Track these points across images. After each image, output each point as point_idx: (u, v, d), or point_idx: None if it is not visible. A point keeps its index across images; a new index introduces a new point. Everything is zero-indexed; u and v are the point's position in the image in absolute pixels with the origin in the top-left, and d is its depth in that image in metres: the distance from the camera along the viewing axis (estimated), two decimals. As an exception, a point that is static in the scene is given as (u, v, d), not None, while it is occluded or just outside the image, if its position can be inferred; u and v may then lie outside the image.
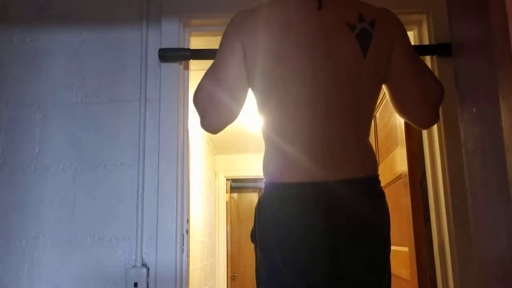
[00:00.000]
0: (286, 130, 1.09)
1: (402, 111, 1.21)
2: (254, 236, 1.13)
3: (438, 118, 1.21)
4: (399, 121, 1.78)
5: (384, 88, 1.21)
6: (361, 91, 1.10)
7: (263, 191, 1.13)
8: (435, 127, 1.55)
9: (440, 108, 1.54)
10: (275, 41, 1.09)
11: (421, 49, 1.64)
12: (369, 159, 1.10)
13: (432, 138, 1.58)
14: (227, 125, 1.19)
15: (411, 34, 1.73)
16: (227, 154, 5.46)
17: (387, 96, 1.23)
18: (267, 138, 1.13)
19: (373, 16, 1.12)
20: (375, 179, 1.10)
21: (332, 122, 1.06)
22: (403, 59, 1.15)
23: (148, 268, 1.47)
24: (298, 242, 1.02)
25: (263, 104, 1.14)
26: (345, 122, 1.08)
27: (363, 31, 1.09)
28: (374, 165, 1.11)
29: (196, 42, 1.72)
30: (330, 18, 1.10)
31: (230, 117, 1.18)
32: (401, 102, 1.19)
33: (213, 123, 1.18)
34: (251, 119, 3.77)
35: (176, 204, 1.51)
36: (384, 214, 1.09)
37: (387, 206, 1.11)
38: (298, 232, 1.03)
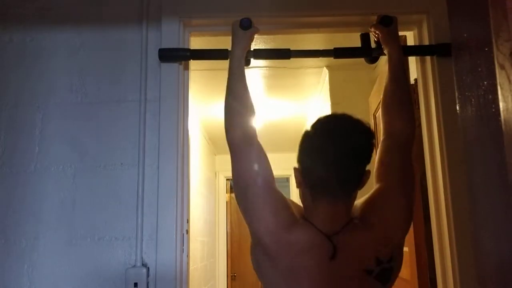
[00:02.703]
0: None
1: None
2: None
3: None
4: (399, 121, 1.78)
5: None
6: None
7: None
8: (435, 127, 1.55)
9: (440, 109, 1.55)
10: (287, 268, 1.07)
11: (421, 50, 1.64)
12: None
13: (432, 138, 1.58)
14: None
15: (410, 35, 1.73)
16: (227, 154, 5.42)
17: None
18: None
19: (391, 250, 1.09)
20: None
21: None
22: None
23: (148, 268, 1.47)
24: None
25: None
26: None
27: (382, 272, 1.07)
28: None
29: (196, 42, 1.72)
30: (345, 267, 1.06)
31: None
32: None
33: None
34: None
35: (176, 204, 1.51)
36: None
37: None
38: None
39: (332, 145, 1.08)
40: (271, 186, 1.15)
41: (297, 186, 1.16)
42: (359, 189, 1.13)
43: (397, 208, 1.15)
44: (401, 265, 1.14)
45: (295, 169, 1.15)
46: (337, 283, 1.06)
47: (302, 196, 1.16)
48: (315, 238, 1.08)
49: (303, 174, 1.13)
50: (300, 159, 1.14)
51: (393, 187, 1.18)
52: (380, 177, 1.21)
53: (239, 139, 1.22)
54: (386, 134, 1.28)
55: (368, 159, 1.12)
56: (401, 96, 1.33)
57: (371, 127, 1.12)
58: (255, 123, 1.27)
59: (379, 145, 1.28)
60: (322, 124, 1.13)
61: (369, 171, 1.13)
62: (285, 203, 1.14)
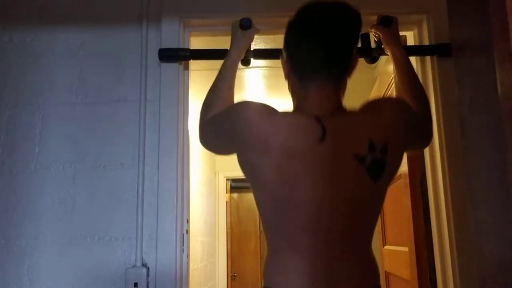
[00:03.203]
0: (287, 243, 1.04)
1: None
2: None
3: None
4: (399, 121, 1.78)
5: None
6: (368, 212, 1.05)
7: None
8: (435, 127, 1.55)
9: (440, 109, 1.55)
10: (276, 159, 1.01)
11: (421, 50, 1.64)
12: (370, 272, 1.05)
13: (432, 138, 1.58)
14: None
15: (410, 35, 1.73)
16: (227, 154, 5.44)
17: None
18: (267, 238, 1.09)
19: (385, 138, 1.02)
20: None
21: (333, 245, 1.01)
22: (412, 130, 1.13)
23: (148, 268, 1.47)
24: None
25: (258, 199, 1.09)
26: (347, 241, 1.02)
27: (375, 162, 1.00)
28: (376, 276, 1.07)
29: (196, 42, 1.72)
30: (335, 150, 1.00)
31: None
32: None
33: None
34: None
35: (176, 204, 1.51)
36: None
37: None
38: None
39: (318, 24, 1.04)
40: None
41: (286, 78, 1.14)
42: (348, 75, 1.10)
43: (403, 106, 1.13)
44: (397, 167, 1.07)
45: (282, 60, 1.13)
46: (327, 167, 1.00)
47: (291, 87, 1.13)
48: (303, 120, 1.03)
49: (290, 61, 1.10)
50: (286, 48, 1.12)
51: (403, 100, 1.19)
52: None
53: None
54: None
55: (355, 40, 1.09)
56: (419, 94, 1.31)
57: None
58: None
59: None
60: (306, 8, 1.10)
61: (357, 57, 1.10)
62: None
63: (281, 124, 1.04)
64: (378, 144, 1.01)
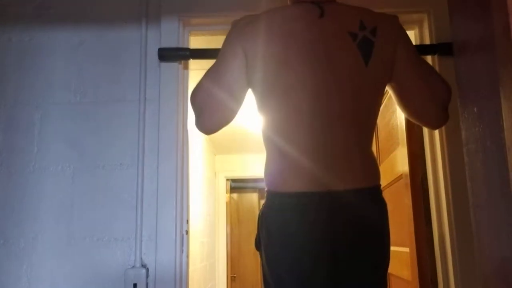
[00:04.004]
0: (287, 138, 1.08)
1: (411, 112, 1.20)
2: (258, 244, 1.13)
3: (448, 117, 1.21)
4: (400, 120, 1.77)
5: (390, 91, 1.21)
6: (363, 99, 1.10)
7: (265, 200, 1.12)
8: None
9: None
10: (276, 47, 1.09)
11: (422, 49, 1.63)
12: (372, 169, 1.10)
13: (433, 138, 1.57)
14: (225, 125, 1.19)
15: (412, 34, 1.72)
16: (227, 154, 5.45)
17: (394, 99, 1.22)
18: (267, 142, 1.13)
19: (374, 23, 1.12)
20: (377, 189, 1.10)
21: (334, 131, 1.06)
22: (407, 62, 1.14)
23: (148, 268, 1.46)
24: (300, 250, 1.03)
25: (263, 106, 1.14)
26: (348, 130, 1.07)
27: (365, 40, 1.10)
28: (377, 175, 1.11)
29: (196, 42, 1.72)
30: (331, 27, 1.11)
31: (229, 117, 1.17)
32: (409, 104, 1.18)
33: (211, 122, 1.17)
34: (251, 119, 3.77)
35: (176, 204, 1.51)
36: (386, 223, 1.09)
37: (388, 216, 1.11)
38: (300, 241, 1.03)
39: None
40: None
41: None
42: None
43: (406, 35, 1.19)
44: (386, 57, 1.13)
45: None
46: (326, 43, 1.09)
47: None
48: (303, 5, 1.13)
49: None
50: None
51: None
52: None
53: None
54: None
55: None
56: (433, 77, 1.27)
57: None
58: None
59: None
60: None
61: None
62: None
63: (284, 14, 1.14)
64: (368, 25, 1.11)
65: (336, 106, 1.07)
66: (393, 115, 1.89)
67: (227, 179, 5.83)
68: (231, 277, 6.17)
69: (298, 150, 1.06)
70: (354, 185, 1.05)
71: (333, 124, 1.06)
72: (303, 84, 1.07)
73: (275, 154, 1.10)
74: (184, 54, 1.60)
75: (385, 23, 1.15)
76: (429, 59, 1.61)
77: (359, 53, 1.08)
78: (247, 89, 1.17)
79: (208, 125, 1.17)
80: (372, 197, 1.08)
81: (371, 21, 1.12)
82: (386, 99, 1.97)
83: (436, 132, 1.55)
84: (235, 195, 6.96)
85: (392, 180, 1.95)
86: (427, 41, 1.62)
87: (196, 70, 2.56)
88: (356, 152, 1.07)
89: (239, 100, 1.16)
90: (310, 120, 1.06)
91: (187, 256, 1.54)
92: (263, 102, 1.13)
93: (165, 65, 1.59)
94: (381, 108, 2.09)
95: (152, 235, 1.49)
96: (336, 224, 1.02)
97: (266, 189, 1.12)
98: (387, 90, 1.24)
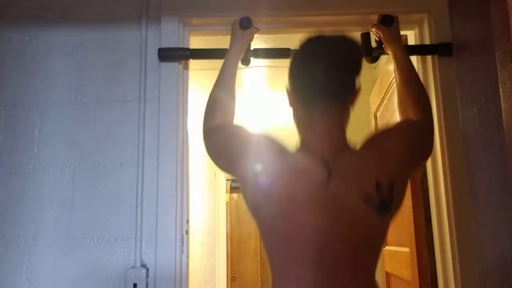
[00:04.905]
0: (289, 282, 1.04)
1: None
2: None
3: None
4: (400, 121, 1.77)
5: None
6: (373, 246, 1.05)
7: None
8: (436, 127, 1.54)
9: (441, 108, 1.54)
10: (279, 205, 1.03)
11: (422, 49, 1.63)
12: None
13: (433, 138, 1.57)
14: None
15: (411, 34, 1.73)
16: (227, 155, 5.43)
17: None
18: (271, 268, 1.10)
19: (391, 177, 1.02)
20: None
21: (337, 278, 1.01)
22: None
23: (148, 268, 1.46)
24: None
25: (263, 241, 1.10)
26: (351, 273, 1.02)
27: (383, 202, 1.01)
28: None
29: (196, 42, 1.72)
30: (341, 191, 1.01)
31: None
32: None
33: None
34: (251, 119, 3.77)
35: (176, 204, 1.51)
36: None
37: None
38: None
39: (320, 54, 1.08)
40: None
41: (290, 105, 1.15)
42: (351, 104, 1.11)
43: (404, 135, 1.13)
44: (401, 202, 1.07)
45: (286, 89, 1.15)
46: (333, 209, 1.00)
47: (296, 115, 1.13)
48: (308, 163, 1.04)
49: (294, 90, 1.12)
50: (290, 77, 1.13)
51: (404, 124, 1.21)
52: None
53: (216, 128, 1.23)
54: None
55: (357, 70, 1.10)
56: (420, 97, 1.30)
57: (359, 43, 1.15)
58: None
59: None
60: (309, 41, 1.12)
61: (360, 87, 1.11)
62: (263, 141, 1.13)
63: (287, 168, 1.05)
64: (385, 184, 1.01)
65: (344, 260, 1.01)
66: (393, 115, 1.89)
67: (227, 179, 5.83)
68: (231, 277, 6.17)
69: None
70: None
71: (335, 276, 1.01)
72: (309, 242, 1.01)
73: (279, 283, 1.06)
74: (184, 54, 1.60)
75: (401, 161, 1.06)
76: (429, 59, 1.62)
77: (374, 214, 1.00)
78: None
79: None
80: None
81: (388, 177, 1.02)
82: (386, 99, 1.97)
83: (436, 132, 1.55)
84: (235, 195, 6.96)
85: (392, 180, 1.95)
86: (427, 41, 1.62)
87: (196, 70, 2.57)
88: None
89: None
90: (315, 269, 1.01)
91: (187, 256, 1.54)
92: (262, 232, 1.10)
93: (165, 65, 1.59)
94: (381, 108, 2.09)
95: (152, 235, 1.49)
96: None
97: None
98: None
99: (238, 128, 1.19)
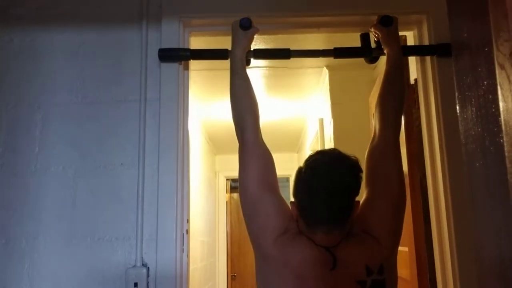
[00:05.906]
0: None
1: None
2: None
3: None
4: (399, 121, 1.78)
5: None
6: None
7: None
8: (435, 127, 1.55)
9: (440, 109, 1.55)
10: (287, 280, 1.13)
11: (421, 50, 1.64)
12: None
13: (432, 139, 1.58)
14: None
15: (410, 35, 1.73)
16: (227, 154, 5.45)
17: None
18: None
19: (379, 260, 1.13)
20: None
21: None
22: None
23: (148, 268, 1.47)
24: None
25: None
26: None
27: (375, 283, 1.11)
28: None
29: (196, 42, 1.72)
30: (341, 279, 1.11)
31: None
32: None
33: None
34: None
35: (176, 204, 1.51)
36: None
37: None
38: None
39: (322, 182, 1.14)
40: (277, 193, 1.24)
41: (295, 218, 1.20)
42: (352, 218, 1.18)
43: (383, 216, 1.20)
44: (396, 279, 1.18)
45: (291, 203, 1.21)
46: None
47: (300, 225, 1.20)
48: (316, 251, 1.13)
49: (298, 208, 1.19)
50: (294, 194, 1.20)
51: (377, 194, 1.23)
52: (367, 183, 1.26)
53: (252, 141, 1.27)
54: (373, 136, 1.33)
55: (356, 192, 1.17)
56: (393, 102, 1.35)
57: (359, 162, 1.20)
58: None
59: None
60: (312, 162, 1.19)
61: (358, 202, 1.19)
62: (287, 213, 1.21)
63: (297, 251, 1.14)
64: (374, 267, 1.12)
65: None
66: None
67: (227, 179, 5.83)
68: (231, 276, 6.18)
69: None
70: None
71: None
72: None
73: None
74: (184, 55, 1.60)
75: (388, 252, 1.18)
76: (428, 59, 1.62)
77: None
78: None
79: None
80: None
81: (376, 259, 1.13)
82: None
83: (435, 132, 1.55)
84: (235, 195, 6.95)
85: (392, 180, 1.95)
86: (426, 42, 1.62)
87: (197, 71, 2.57)
88: None
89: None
90: None
91: (188, 255, 1.55)
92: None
93: (165, 66, 1.59)
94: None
95: (153, 235, 1.49)
96: None
97: None
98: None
99: (266, 195, 1.25)
